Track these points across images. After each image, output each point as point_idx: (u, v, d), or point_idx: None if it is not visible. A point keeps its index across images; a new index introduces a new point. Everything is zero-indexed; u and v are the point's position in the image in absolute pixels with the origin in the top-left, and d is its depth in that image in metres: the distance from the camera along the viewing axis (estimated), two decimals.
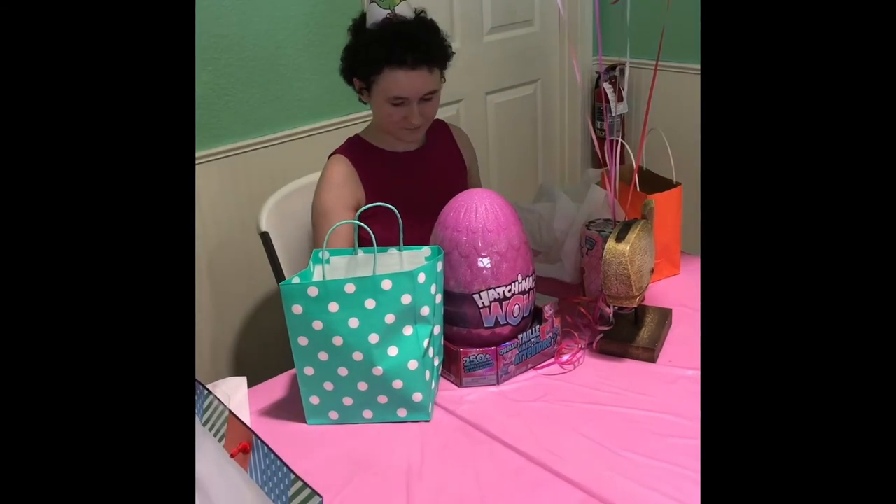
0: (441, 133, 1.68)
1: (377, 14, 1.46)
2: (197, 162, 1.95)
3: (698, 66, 2.67)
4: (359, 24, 1.51)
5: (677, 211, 1.54)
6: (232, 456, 0.70)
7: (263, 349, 2.14)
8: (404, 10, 1.47)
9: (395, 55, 1.43)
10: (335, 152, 1.59)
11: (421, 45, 1.45)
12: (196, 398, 0.74)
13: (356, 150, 1.57)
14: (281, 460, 0.65)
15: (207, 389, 0.74)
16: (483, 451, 1.13)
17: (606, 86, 2.85)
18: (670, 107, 2.70)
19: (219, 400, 0.72)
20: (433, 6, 2.42)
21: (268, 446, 0.67)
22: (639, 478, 1.05)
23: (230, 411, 0.71)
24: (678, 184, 1.53)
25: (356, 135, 1.62)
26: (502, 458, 1.12)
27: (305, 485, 0.62)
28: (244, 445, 0.68)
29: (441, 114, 2.41)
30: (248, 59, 1.99)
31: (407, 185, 1.55)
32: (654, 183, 1.59)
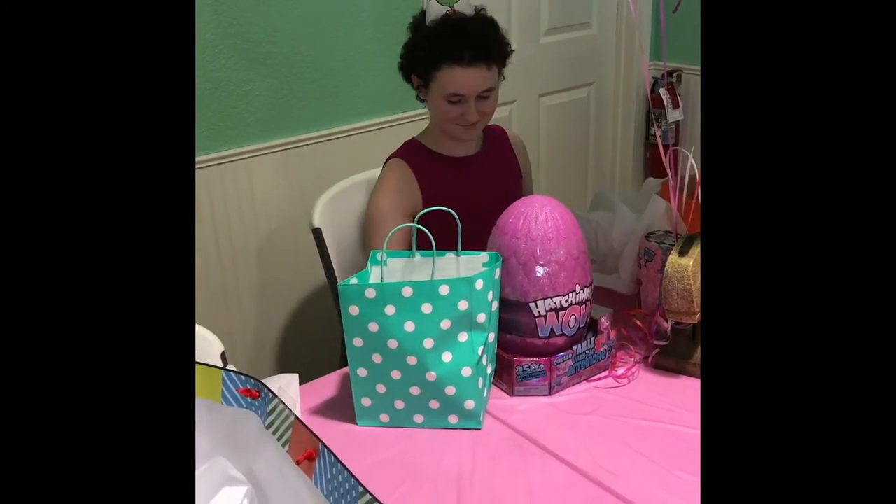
0: (499, 139, 1.67)
1: (436, 11, 1.46)
2: (251, 155, 1.97)
3: None
4: (418, 21, 1.51)
5: None
6: (297, 463, 0.69)
7: (308, 346, 2.15)
8: (464, 7, 1.46)
9: (452, 52, 1.43)
10: (393, 156, 1.58)
11: (479, 41, 1.44)
12: (260, 400, 0.74)
13: (414, 153, 1.57)
14: (349, 471, 0.64)
15: (273, 393, 0.73)
16: (535, 464, 1.12)
17: (663, 92, 2.81)
18: None
19: (284, 404, 0.72)
20: (491, 6, 2.41)
21: (335, 455, 0.66)
22: (694, 499, 1.03)
23: (296, 416, 0.71)
24: None
25: (413, 138, 1.61)
26: (554, 472, 1.10)
27: (374, 498, 0.61)
28: (310, 452, 0.68)
29: (493, 115, 2.39)
30: (305, 55, 1.99)
31: (463, 191, 1.53)
32: None
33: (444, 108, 1.48)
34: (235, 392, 0.76)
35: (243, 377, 0.76)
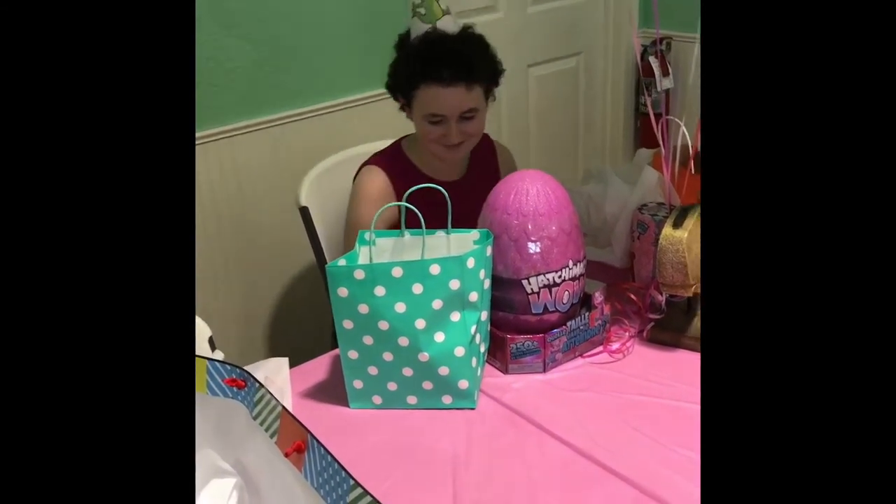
0: (485, 157, 1.60)
1: (419, 29, 1.42)
2: (237, 133, 1.93)
3: None
4: (403, 39, 1.46)
5: None
6: (286, 455, 0.67)
7: (298, 326, 2.13)
8: (448, 25, 1.42)
9: (430, 70, 1.38)
10: (372, 162, 1.52)
11: (459, 59, 1.39)
12: (247, 390, 0.71)
13: (396, 165, 1.51)
14: (339, 463, 0.62)
15: (259, 383, 0.71)
16: (531, 442, 1.10)
17: (652, 60, 2.77)
18: None
19: (270, 394, 0.70)
20: None
21: (324, 448, 0.64)
22: (693, 476, 1.02)
23: (283, 407, 0.69)
24: None
25: (398, 145, 1.56)
26: (551, 450, 1.09)
27: (366, 491, 0.59)
28: (299, 444, 0.66)
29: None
30: (290, 30, 1.95)
31: (443, 213, 1.49)
32: None
33: (426, 128, 1.43)
34: (221, 382, 0.74)
35: (228, 367, 0.73)
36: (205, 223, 1.93)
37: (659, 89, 2.91)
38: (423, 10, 1.40)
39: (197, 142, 1.86)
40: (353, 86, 2.09)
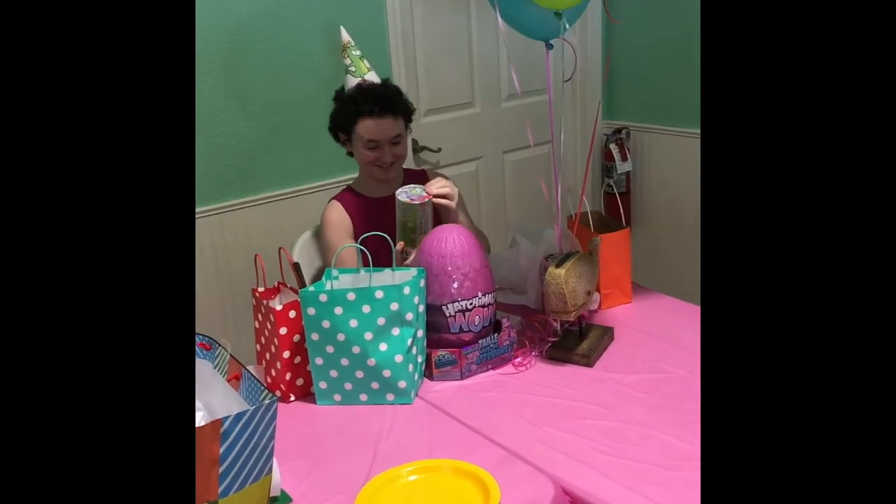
0: (415, 178, 2.04)
1: (351, 82, 1.92)
2: (245, 206, 2.39)
3: (693, 131, 3.02)
4: (339, 93, 1.96)
5: (626, 249, 1.88)
6: (228, 381, 1.07)
7: None
8: (373, 78, 1.92)
9: (364, 107, 1.87)
10: (333, 198, 2.02)
11: (384, 98, 1.89)
12: (211, 351, 1.11)
13: (346, 196, 2.01)
14: (256, 379, 1.01)
15: (219, 344, 1.11)
16: (438, 423, 1.48)
17: (613, 147, 3.22)
18: (670, 165, 3.08)
19: (226, 350, 1.09)
20: (457, 79, 2.87)
21: (249, 372, 1.03)
22: (549, 442, 1.38)
23: (230, 354, 1.08)
24: (627, 227, 1.88)
25: (348, 186, 2.06)
26: (451, 428, 1.46)
27: (269, 391, 0.97)
28: (237, 374, 1.05)
29: (462, 169, 2.81)
30: (293, 120, 2.43)
31: (381, 222, 1.91)
32: (612, 226, 1.93)
33: (365, 153, 1.90)
34: (196, 346, 1.14)
35: (200, 335, 1.13)
36: (219, 276, 2.37)
37: (619, 171, 3.36)
38: (353, 69, 1.90)
39: (216, 213, 2.33)
40: (339, 168, 2.56)
